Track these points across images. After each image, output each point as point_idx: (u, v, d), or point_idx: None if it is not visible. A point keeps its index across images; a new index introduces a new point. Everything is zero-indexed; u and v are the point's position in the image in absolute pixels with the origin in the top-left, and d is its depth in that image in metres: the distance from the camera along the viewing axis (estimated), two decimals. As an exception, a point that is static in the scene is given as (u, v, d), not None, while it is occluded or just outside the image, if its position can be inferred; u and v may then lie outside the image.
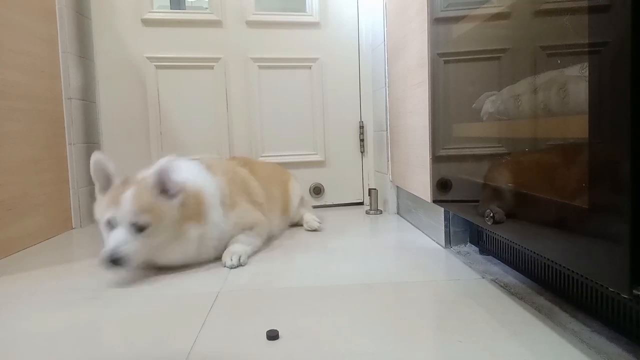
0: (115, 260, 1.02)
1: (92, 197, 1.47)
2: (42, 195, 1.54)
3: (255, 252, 1.30)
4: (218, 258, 1.22)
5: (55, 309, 0.93)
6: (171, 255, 1.14)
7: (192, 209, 1.16)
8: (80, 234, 1.67)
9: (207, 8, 1.96)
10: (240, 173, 1.43)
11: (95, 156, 1.12)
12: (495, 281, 0.99)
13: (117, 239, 1.04)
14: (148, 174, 1.12)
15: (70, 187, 1.73)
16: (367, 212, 1.91)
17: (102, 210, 1.09)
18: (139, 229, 1.06)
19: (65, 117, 1.71)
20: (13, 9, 1.44)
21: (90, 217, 1.83)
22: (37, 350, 0.75)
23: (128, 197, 1.06)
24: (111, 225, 1.07)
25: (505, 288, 0.94)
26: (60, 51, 1.69)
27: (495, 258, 1.13)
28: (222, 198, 1.27)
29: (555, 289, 0.88)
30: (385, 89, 1.78)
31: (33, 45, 1.50)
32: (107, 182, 1.12)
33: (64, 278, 1.14)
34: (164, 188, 1.11)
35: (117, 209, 1.06)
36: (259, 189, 1.45)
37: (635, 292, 0.52)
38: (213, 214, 1.22)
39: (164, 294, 0.99)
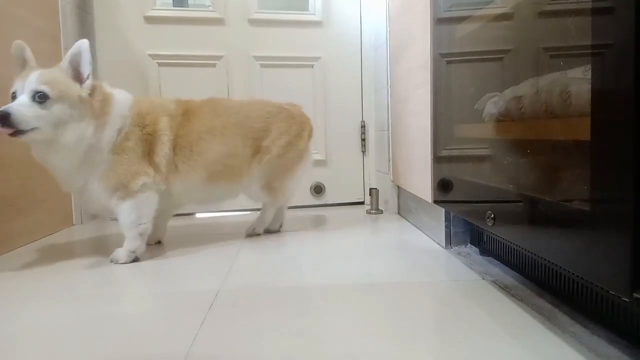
0: (5, 116, 1.03)
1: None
2: (43, 191, 1.54)
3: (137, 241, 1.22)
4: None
5: (56, 305, 0.93)
6: (59, 154, 1.14)
7: (97, 106, 1.17)
8: (81, 231, 1.68)
9: (209, 6, 1.96)
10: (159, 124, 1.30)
11: (16, 42, 1.15)
12: (495, 282, 0.98)
13: (15, 102, 1.07)
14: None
15: (72, 184, 1.73)
16: (368, 212, 1.91)
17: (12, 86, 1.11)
18: (40, 98, 1.08)
19: (67, 113, 1.71)
20: (16, 5, 1.44)
21: (91, 214, 1.83)
22: (37, 347, 0.75)
23: (36, 71, 1.10)
24: (14, 97, 1.09)
25: (506, 289, 0.94)
26: (62, 48, 1.68)
27: (496, 259, 1.13)
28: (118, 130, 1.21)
29: (555, 291, 0.88)
30: (387, 88, 1.78)
31: (36, 41, 1.51)
32: (25, 66, 1.16)
33: (65, 274, 1.14)
34: (77, 74, 1.15)
35: (24, 82, 1.09)
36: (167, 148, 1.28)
37: (635, 295, 0.52)
38: (110, 123, 1.19)
39: (164, 292, 0.99)
